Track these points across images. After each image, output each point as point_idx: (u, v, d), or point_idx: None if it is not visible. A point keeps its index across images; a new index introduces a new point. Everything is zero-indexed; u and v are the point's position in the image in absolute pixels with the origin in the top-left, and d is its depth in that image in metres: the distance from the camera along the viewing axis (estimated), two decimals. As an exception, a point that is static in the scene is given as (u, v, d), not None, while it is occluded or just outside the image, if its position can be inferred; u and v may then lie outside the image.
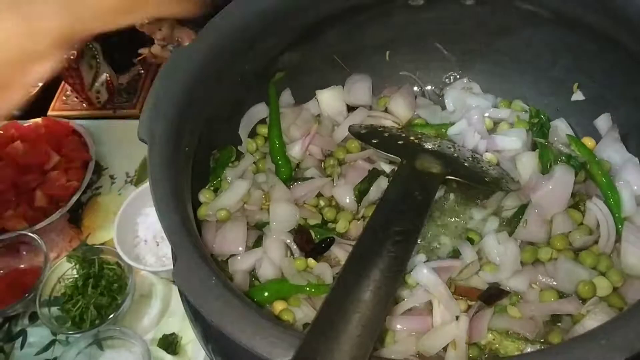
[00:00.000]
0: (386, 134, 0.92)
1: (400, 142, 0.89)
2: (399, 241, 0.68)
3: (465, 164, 0.86)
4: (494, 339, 0.75)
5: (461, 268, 0.81)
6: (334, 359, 0.54)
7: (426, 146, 0.88)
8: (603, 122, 0.92)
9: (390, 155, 0.88)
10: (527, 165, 0.88)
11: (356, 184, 0.91)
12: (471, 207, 0.89)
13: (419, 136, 0.91)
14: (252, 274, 0.84)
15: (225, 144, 0.94)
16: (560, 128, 0.93)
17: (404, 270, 0.67)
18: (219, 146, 0.93)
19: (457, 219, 0.89)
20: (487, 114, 0.96)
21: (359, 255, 0.67)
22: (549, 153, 0.88)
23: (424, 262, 0.81)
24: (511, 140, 0.91)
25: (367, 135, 0.92)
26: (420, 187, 0.77)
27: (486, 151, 0.92)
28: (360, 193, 0.91)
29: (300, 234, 0.87)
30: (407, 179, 0.80)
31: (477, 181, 0.84)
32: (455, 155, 0.88)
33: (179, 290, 0.76)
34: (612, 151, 0.89)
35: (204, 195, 0.88)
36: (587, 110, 0.93)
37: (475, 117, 0.94)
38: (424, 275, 0.79)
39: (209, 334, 0.69)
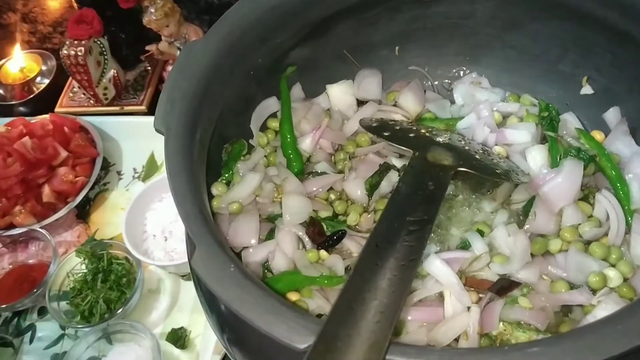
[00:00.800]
0: (397, 127, 0.93)
1: (411, 135, 0.89)
2: (414, 231, 0.69)
3: (477, 157, 0.86)
4: (505, 330, 0.76)
5: (471, 260, 0.82)
6: (353, 344, 0.54)
7: (437, 139, 0.88)
8: (612, 115, 0.92)
9: (402, 148, 0.88)
10: (537, 158, 0.88)
11: (367, 177, 0.92)
12: (481, 199, 0.89)
13: (430, 129, 0.92)
14: (265, 265, 0.85)
15: (237, 138, 0.95)
16: (570, 121, 0.93)
17: (420, 259, 0.68)
18: (231, 140, 0.93)
19: (467, 210, 0.89)
20: (495, 108, 0.97)
21: (374, 245, 0.68)
22: (559, 146, 0.89)
23: (435, 253, 0.82)
24: (520, 134, 0.91)
25: (379, 129, 0.93)
26: (433, 179, 0.78)
27: (495, 144, 0.92)
28: (372, 187, 0.92)
29: (312, 226, 0.87)
30: (419, 171, 0.80)
31: (488, 173, 0.84)
32: (466, 147, 0.88)
33: (195, 280, 0.76)
34: (621, 144, 0.89)
35: (217, 188, 0.88)
36: (596, 103, 0.94)
37: (485, 111, 0.94)
38: (436, 266, 0.79)
39: (224, 323, 0.70)
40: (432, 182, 0.78)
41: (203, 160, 0.77)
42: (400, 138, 0.89)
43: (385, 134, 0.91)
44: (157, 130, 0.71)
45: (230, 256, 0.60)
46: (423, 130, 0.91)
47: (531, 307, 0.77)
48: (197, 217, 0.62)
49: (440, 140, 0.88)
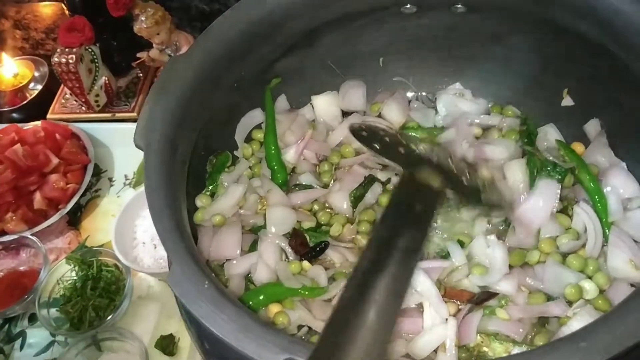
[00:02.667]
0: (387, 139, 0.89)
1: (401, 150, 0.83)
2: (402, 259, 0.64)
3: (464, 181, 0.81)
4: (482, 341, 0.77)
5: (450, 270, 0.83)
6: None
7: (426, 157, 0.82)
8: (592, 127, 0.93)
9: (392, 163, 0.85)
10: (515, 173, 0.89)
11: (351, 189, 0.93)
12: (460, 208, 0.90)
13: (417, 144, 0.88)
14: (248, 277, 0.86)
15: (222, 149, 0.96)
16: (550, 133, 0.94)
17: (407, 289, 0.62)
18: (216, 151, 0.95)
19: (447, 216, 0.90)
20: (477, 121, 0.98)
21: (361, 274, 0.62)
22: (535, 161, 0.89)
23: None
24: (499, 150, 0.92)
25: (368, 139, 0.87)
26: (421, 201, 0.72)
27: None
28: (356, 199, 0.93)
29: (295, 237, 0.88)
30: (408, 191, 0.75)
31: (474, 201, 0.80)
32: (453, 168, 0.82)
33: (176, 296, 0.77)
34: (600, 156, 0.90)
35: (201, 200, 0.90)
36: (576, 115, 0.95)
37: (464, 126, 0.95)
38: (415, 277, 0.81)
39: (203, 336, 0.71)
40: (420, 204, 0.72)
41: (183, 175, 0.78)
42: (390, 152, 0.83)
43: (375, 145, 0.84)
44: (137, 146, 0.72)
45: (205, 273, 0.61)
46: (412, 146, 0.88)
47: (508, 318, 0.79)
48: (173, 234, 0.63)
49: (430, 158, 0.82)
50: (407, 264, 0.64)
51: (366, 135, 0.89)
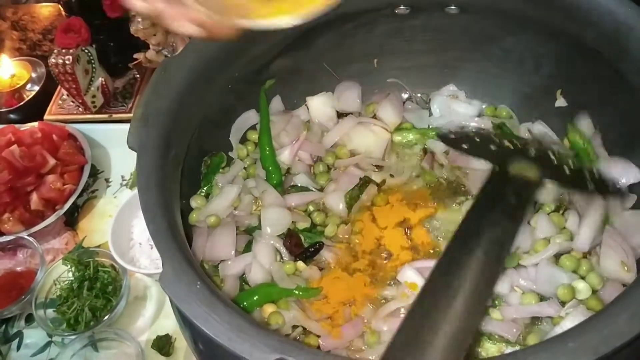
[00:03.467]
0: (477, 139, 0.86)
1: (492, 147, 0.83)
2: (491, 250, 0.64)
3: (565, 169, 0.80)
4: (476, 341, 0.77)
5: None
6: None
7: (522, 151, 0.82)
8: (583, 122, 0.94)
9: (482, 160, 0.86)
10: None
11: (347, 190, 0.94)
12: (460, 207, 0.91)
13: (514, 140, 0.86)
14: (243, 278, 0.86)
15: (217, 150, 0.96)
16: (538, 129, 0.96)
17: (496, 279, 0.63)
18: (211, 152, 0.95)
19: (442, 215, 0.91)
20: (470, 124, 0.98)
21: (446, 265, 0.63)
22: None
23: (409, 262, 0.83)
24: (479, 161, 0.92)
25: (457, 141, 0.87)
26: (515, 193, 0.72)
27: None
28: (351, 199, 0.93)
29: (290, 238, 0.89)
30: (499, 185, 0.74)
31: (579, 188, 0.81)
32: (554, 159, 0.81)
33: (169, 296, 0.78)
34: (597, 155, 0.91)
35: (196, 201, 0.90)
36: (569, 116, 0.95)
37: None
38: (408, 276, 0.81)
39: (197, 337, 0.71)
40: (514, 197, 0.72)
41: (177, 176, 0.78)
42: (480, 150, 0.84)
43: (464, 146, 0.85)
44: (130, 148, 0.72)
45: (197, 273, 0.61)
46: (506, 141, 0.86)
47: (502, 318, 0.79)
48: (166, 234, 0.64)
49: (527, 151, 0.82)
50: (497, 253, 0.64)
51: (454, 137, 0.88)
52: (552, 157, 0.80)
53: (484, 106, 1.02)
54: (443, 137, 0.89)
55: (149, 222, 0.65)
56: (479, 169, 0.93)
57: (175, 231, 0.67)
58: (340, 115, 1.04)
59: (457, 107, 1.01)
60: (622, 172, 0.87)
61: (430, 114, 1.03)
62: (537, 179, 0.75)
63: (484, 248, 0.63)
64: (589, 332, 0.53)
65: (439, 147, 0.97)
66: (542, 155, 0.80)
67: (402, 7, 0.94)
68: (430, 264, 0.82)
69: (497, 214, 0.69)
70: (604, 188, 0.79)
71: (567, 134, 0.94)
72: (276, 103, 1.02)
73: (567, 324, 0.74)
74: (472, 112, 1.00)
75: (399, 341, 0.55)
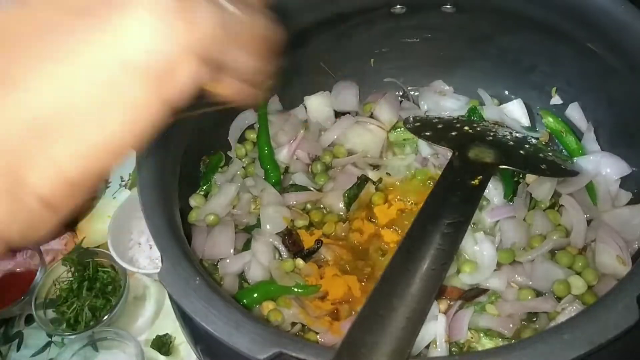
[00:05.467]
0: (440, 125, 0.91)
1: (453, 133, 0.88)
2: (448, 233, 0.67)
3: (522, 152, 0.86)
4: (472, 337, 0.78)
5: None
6: (377, 351, 0.55)
7: (480, 136, 0.87)
8: (573, 111, 0.96)
9: (442, 147, 0.90)
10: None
11: (346, 189, 0.94)
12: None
13: (474, 125, 0.91)
14: (242, 276, 0.87)
15: (215, 150, 0.97)
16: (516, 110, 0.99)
17: (451, 262, 0.67)
18: (209, 152, 0.95)
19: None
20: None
21: (406, 249, 0.67)
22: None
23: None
24: None
25: (420, 128, 0.92)
26: (472, 177, 0.76)
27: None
28: (350, 198, 0.94)
29: (289, 236, 0.89)
30: (458, 170, 0.78)
31: (533, 170, 0.85)
32: (511, 143, 0.87)
33: (168, 292, 0.78)
34: (590, 149, 0.93)
35: (195, 200, 0.91)
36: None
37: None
38: None
39: (197, 334, 0.72)
40: (470, 180, 0.76)
41: (176, 174, 0.79)
42: (441, 137, 0.89)
43: (427, 133, 0.90)
44: (130, 147, 0.72)
45: (196, 269, 0.62)
46: (466, 127, 0.91)
47: (498, 314, 0.79)
48: (165, 230, 0.64)
49: (485, 136, 0.87)
50: (454, 237, 0.68)
51: (419, 125, 0.93)
52: (509, 141, 0.84)
53: (469, 100, 1.03)
54: (407, 124, 0.94)
55: (148, 218, 0.65)
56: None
57: (175, 229, 0.68)
58: (338, 114, 1.05)
59: (445, 103, 1.02)
60: (612, 167, 0.88)
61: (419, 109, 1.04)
62: (494, 161, 0.79)
63: (442, 232, 0.67)
64: (584, 324, 0.54)
65: (426, 148, 0.98)
66: (499, 140, 0.85)
67: (398, 6, 0.94)
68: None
69: (455, 198, 0.72)
70: (557, 168, 0.84)
71: (542, 118, 0.98)
72: (274, 103, 1.02)
73: (563, 318, 0.74)
74: (459, 107, 1.02)
75: (360, 321, 0.59)
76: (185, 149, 0.82)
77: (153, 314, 1.17)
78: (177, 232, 0.67)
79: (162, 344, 1.11)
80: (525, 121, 0.99)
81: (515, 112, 0.99)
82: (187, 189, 0.88)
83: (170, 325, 1.14)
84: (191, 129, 0.85)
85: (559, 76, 0.95)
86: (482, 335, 0.78)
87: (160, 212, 0.66)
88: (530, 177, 0.91)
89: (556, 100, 0.97)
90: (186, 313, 0.63)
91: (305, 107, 1.04)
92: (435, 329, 0.76)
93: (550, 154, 0.88)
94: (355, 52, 1.03)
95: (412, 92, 1.08)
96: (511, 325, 0.78)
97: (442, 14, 0.94)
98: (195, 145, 0.87)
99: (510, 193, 0.89)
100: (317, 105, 1.03)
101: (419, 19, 0.96)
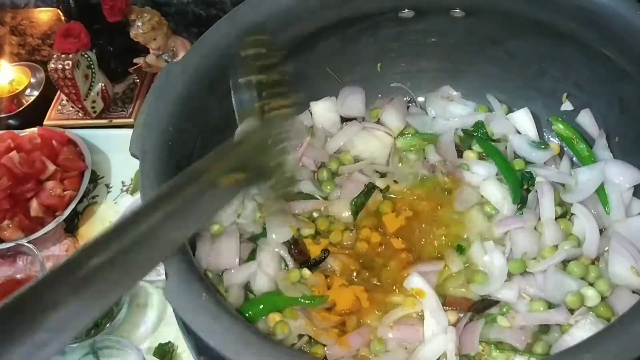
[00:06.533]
0: None
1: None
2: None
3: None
4: (483, 350, 0.76)
5: (447, 274, 0.83)
6: None
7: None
8: (585, 117, 0.94)
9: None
10: (493, 193, 0.90)
11: (352, 197, 0.92)
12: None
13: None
14: (248, 287, 0.85)
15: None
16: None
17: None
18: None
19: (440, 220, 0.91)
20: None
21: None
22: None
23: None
24: (477, 173, 0.94)
25: None
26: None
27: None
28: (357, 207, 0.92)
29: (295, 245, 0.88)
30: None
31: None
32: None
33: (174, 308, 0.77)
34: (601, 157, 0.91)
35: None
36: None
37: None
38: (416, 283, 0.80)
39: (201, 347, 0.70)
40: None
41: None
42: None
43: None
44: (133, 155, 0.71)
45: (202, 284, 0.60)
46: None
47: (510, 326, 0.78)
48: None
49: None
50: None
51: None
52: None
53: (476, 105, 1.02)
54: None
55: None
56: (471, 183, 0.93)
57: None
58: (344, 120, 1.03)
59: (453, 109, 1.01)
60: (625, 174, 0.86)
61: (426, 115, 1.03)
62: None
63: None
64: (606, 343, 0.52)
65: (433, 154, 0.97)
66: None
67: (406, 10, 0.93)
68: (432, 267, 0.82)
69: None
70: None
71: (552, 125, 0.96)
72: (279, 108, 1.01)
73: (577, 332, 0.73)
74: (467, 113, 1.00)
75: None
76: (189, 156, 0.80)
77: (155, 322, 1.15)
78: (182, 245, 0.66)
79: (164, 352, 1.10)
80: (533, 133, 0.97)
81: (524, 123, 0.97)
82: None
83: (173, 333, 1.12)
84: (195, 136, 0.83)
85: (570, 81, 0.93)
86: (493, 348, 0.76)
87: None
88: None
89: (567, 106, 0.95)
90: (192, 329, 0.61)
91: (311, 113, 1.02)
92: (445, 343, 0.74)
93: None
94: (362, 57, 1.01)
95: (420, 98, 1.06)
96: (523, 338, 0.76)
97: (451, 18, 0.92)
98: (200, 152, 0.85)
99: (518, 199, 0.88)
100: (323, 110, 1.02)
101: (427, 23, 0.95)
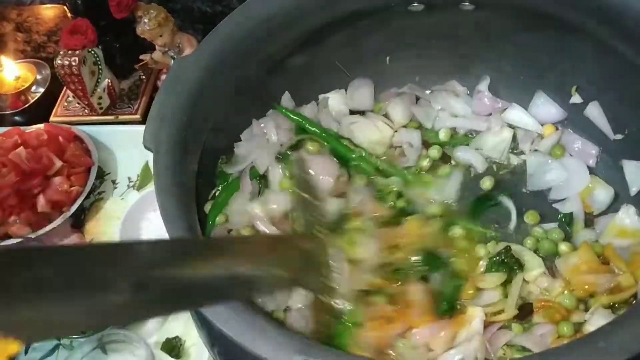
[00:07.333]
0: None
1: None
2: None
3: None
4: (504, 354, 0.75)
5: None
6: None
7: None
8: (593, 110, 0.94)
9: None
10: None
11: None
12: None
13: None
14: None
15: (230, 153, 0.95)
16: None
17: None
18: (226, 152, 0.94)
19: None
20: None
21: None
22: None
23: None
24: None
25: None
26: None
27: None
28: None
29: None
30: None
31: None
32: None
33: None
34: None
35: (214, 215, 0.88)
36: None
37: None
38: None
39: (214, 337, 0.70)
40: None
41: (193, 177, 0.77)
42: None
43: None
44: (147, 148, 0.71)
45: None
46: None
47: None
48: (185, 234, 0.63)
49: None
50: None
51: None
52: None
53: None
54: None
55: (169, 225, 0.63)
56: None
57: (195, 233, 0.66)
58: (353, 112, 1.03)
59: (455, 104, 1.01)
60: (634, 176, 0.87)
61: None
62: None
63: None
64: (620, 331, 0.52)
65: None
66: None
67: (416, 3, 0.93)
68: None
69: None
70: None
71: None
72: (285, 100, 1.01)
73: (590, 328, 0.73)
74: (469, 110, 1.01)
75: None
76: (202, 149, 0.80)
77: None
78: (196, 235, 0.66)
79: (172, 346, 1.10)
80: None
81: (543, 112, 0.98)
82: (203, 188, 0.86)
83: (180, 327, 1.13)
84: (207, 128, 0.83)
85: (579, 74, 0.93)
86: (514, 351, 0.75)
87: (180, 218, 0.64)
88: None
89: (576, 99, 0.95)
90: (205, 317, 0.61)
91: (317, 104, 1.02)
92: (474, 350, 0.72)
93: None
94: (370, 50, 1.01)
95: (427, 92, 1.06)
96: (546, 342, 0.75)
97: (461, 12, 0.92)
98: (211, 144, 0.85)
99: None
100: (332, 103, 1.02)
101: (437, 16, 0.94)
